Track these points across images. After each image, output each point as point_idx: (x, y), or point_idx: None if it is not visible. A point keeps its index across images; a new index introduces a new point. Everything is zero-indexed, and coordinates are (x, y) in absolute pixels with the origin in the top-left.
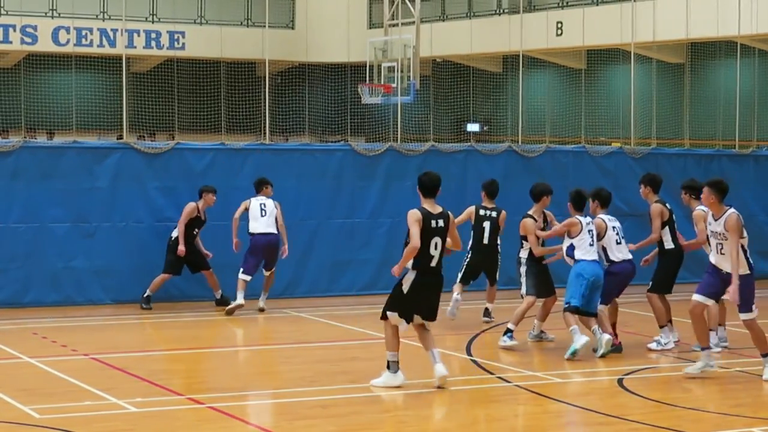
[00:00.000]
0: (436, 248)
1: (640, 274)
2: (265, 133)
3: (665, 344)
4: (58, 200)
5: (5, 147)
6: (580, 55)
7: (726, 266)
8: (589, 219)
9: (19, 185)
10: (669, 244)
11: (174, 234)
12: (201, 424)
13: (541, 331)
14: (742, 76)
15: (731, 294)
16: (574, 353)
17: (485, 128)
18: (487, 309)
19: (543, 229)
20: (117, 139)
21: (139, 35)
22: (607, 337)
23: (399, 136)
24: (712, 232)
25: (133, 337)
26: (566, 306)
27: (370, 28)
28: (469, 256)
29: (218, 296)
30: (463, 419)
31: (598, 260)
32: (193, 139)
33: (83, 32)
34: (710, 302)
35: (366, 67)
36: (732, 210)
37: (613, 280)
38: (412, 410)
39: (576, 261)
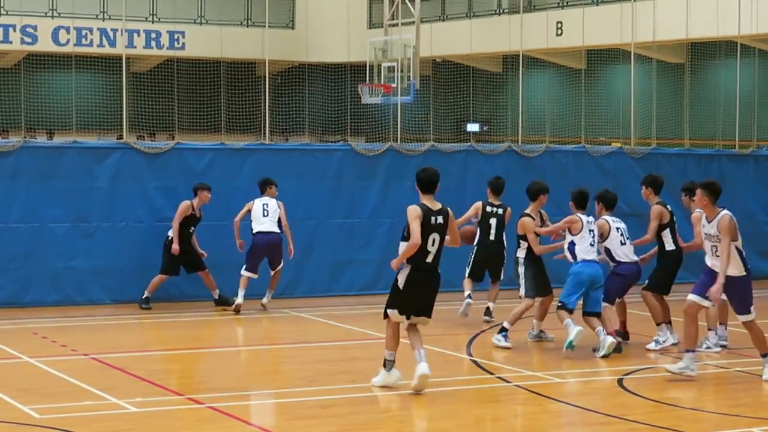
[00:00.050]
0: (433, 245)
1: (643, 276)
2: (265, 133)
3: (663, 342)
4: (58, 200)
5: (5, 147)
6: (580, 55)
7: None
8: (591, 218)
9: (19, 185)
10: (670, 246)
11: (170, 233)
12: (201, 424)
13: (541, 331)
14: (742, 76)
15: (713, 292)
16: (570, 345)
17: (485, 128)
18: (488, 308)
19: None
20: (117, 139)
21: (139, 35)
22: (610, 339)
23: (399, 136)
24: (706, 234)
25: (133, 337)
26: (559, 305)
27: (370, 28)
28: (475, 251)
29: (216, 296)
30: (463, 419)
31: (599, 261)
32: (193, 139)
33: (83, 32)
34: (706, 303)
35: (366, 67)
36: (725, 212)
37: (617, 280)
38: (412, 410)
39: (576, 261)
